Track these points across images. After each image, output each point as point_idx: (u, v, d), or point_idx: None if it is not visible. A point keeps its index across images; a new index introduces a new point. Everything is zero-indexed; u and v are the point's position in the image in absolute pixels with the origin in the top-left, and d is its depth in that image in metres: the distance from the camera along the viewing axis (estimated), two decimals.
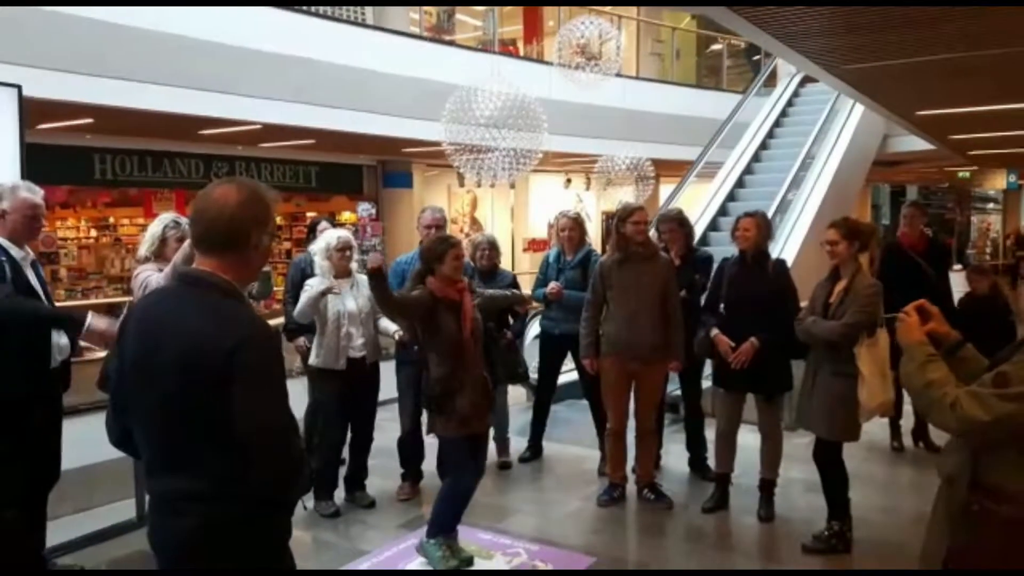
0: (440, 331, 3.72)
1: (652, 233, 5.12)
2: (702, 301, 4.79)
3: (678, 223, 5.08)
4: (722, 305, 4.54)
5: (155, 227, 3.99)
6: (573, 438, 5.96)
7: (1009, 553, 1.98)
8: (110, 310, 8.87)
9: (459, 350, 3.72)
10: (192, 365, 1.77)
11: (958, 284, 6.00)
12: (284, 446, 1.82)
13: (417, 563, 3.96)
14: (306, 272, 4.80)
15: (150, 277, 3.75)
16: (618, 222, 4.56)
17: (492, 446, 5.41)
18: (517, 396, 6.43)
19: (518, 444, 5.68)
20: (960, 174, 19.40)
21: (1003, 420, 1.98)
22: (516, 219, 15.99)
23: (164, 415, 1.84)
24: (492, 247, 5.28)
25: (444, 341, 3.71)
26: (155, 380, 1.82)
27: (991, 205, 28.88)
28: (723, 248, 6.01)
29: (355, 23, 10.39)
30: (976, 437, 2.07)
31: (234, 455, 1.77)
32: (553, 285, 5.26)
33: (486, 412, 3.89)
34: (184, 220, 3.96)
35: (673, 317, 4.54)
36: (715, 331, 4.44)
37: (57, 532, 3.98)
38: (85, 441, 3.90)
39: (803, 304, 4.34)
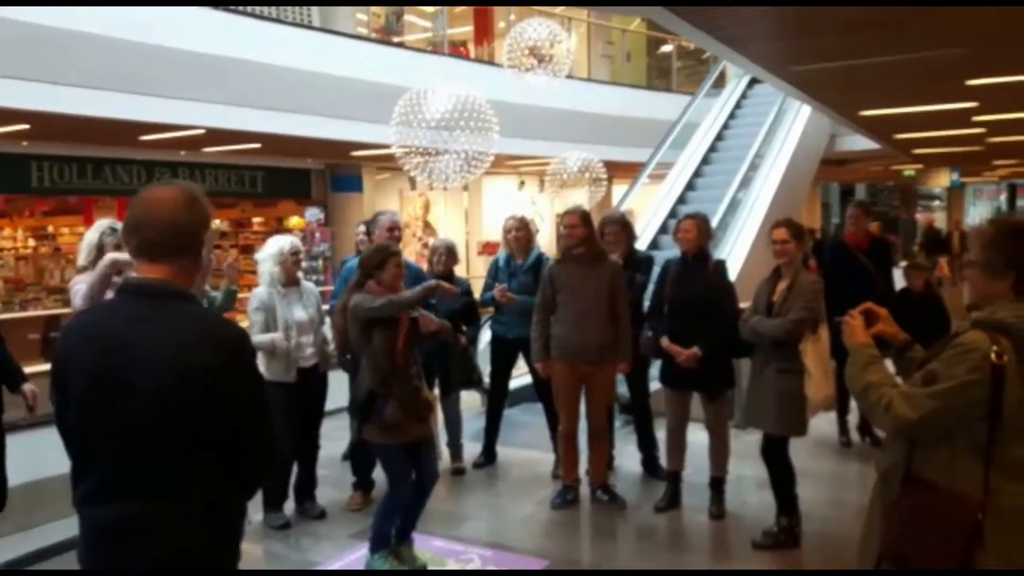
0: (373, 339, 3.67)
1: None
2: (644, 300, 4.87)
3: (622, 226, 5.15)
4: (666, 306, 4.59)
5: (91, 235, 3.89)
6: (527, 442, 5.94)
7: (939, 548, 2.01)
8: (49, 322, 8.62)
9: (391, 358, 3.68)
10: (187, 376, 1.70)
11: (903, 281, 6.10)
12: (272, 447, 1.91)
13: None
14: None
15: (81, 288, 3.64)
16: (559, 226, 4.60)
17: (446, 452, 5.39)
18: (471, 402, 6.39)
19: (472, 450, 5.64)
20: (905, 173, 19.91)
21: (927, 417, 2.03)
22: (470, 222, 15.96)
23: (135, 435, 1.73)
24: (449, 253, 5.28)
25: (378, 349, 3.67)
26: (127, 399, 1.71)
27: (936, 203, 29.71)
28: (674, 251, 6.05)
29: (301, 25, 10.25)
30: (909, 435, 2.11)
31: (207, 469, 1.75)
32: (499, 288, 5.25)
33: (421, 420, 3.81)
34: (121, 226, 3.86)
35: (621, 319, 4.56)
36: (666, 341, 4.49)
37: None
38: (26, 458, 3.78)
39: (745, 304, 4.40)
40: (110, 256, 3.57)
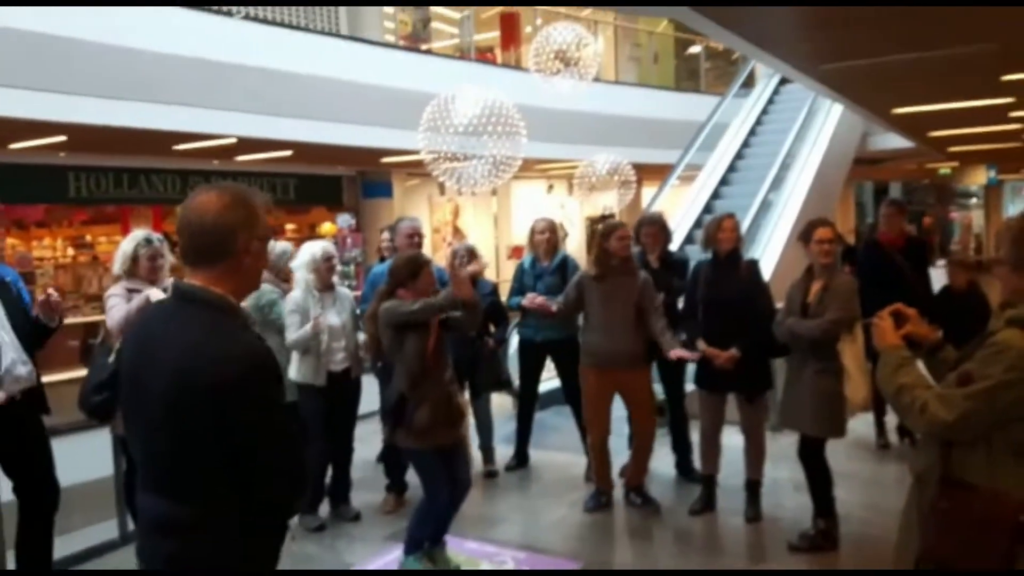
0: (404, 345, 3.69)
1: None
2: (679, 303, 4.82)
3: (660, 227, 5.14)
4: (699, 308, 4.55)
5: (126, 245, 3.97)
6: (559, 445, 5.93)
7: (982, 550, 1.96)
8: (87, 330, 8.76)
9: (422, 362, 3.69)
10: (184, 388, 1.68)
11: (943, 280, 5.98)
12: (290, 467, 1.80)
13: None
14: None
15: (116, 306, 3.78)
16: (601, 237, 4.58)
17: (477, 456, 5.40)
18: (502, 405, 6.39)
19: (504, 453, 5.64)
20: (941, 171, 19.56)
21: (964, 419, 1.99)
22: (499, 227, 15.96)
23: (152, 435, 1.77)
24: (471, 255, 5.27)
25: (410, 353, 3.69)
26: (146, 399, 1.75)
27: (973, 200, 29.13)
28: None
29: (329, 33, 10.34)
30: (945, 437, 2.07)
31: (221, 483, 1.72)
32: (528, 297, 5.25)
33: (453, 425, 3.82)
34: (155, 237, 3.98)
35: (649, 329, 4.53)
36: (702, 344, 4.45)
37: None
38: (61, 463, 3.84)
39: (779, 305, 4.35)
40: (146, 295, 3.69)
